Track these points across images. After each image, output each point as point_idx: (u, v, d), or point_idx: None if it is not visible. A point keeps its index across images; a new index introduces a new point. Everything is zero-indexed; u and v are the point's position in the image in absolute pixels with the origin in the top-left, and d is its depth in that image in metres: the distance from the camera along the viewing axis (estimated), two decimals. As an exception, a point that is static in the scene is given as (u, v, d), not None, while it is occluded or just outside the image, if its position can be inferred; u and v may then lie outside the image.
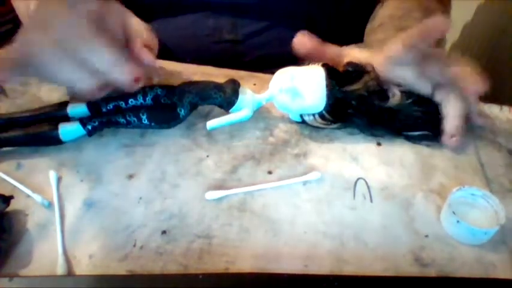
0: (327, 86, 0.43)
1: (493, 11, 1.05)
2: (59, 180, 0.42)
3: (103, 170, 0.43)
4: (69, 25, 0.37)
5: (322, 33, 0.49)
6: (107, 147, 0.45)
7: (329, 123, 0.45)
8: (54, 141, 0.43)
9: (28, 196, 0.40)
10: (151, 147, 0.45)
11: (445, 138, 0.45)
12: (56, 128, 0.43)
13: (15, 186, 0.41)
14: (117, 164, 0.43)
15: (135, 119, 0.44)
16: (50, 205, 0.40)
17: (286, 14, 0.62)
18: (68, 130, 0.43)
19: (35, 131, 0.43)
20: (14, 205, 0.39)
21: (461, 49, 1.15)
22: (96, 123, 0.43)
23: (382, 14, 0.60)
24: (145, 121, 0.44)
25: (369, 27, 0.60)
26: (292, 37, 0.47)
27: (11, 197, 0.39)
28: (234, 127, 0.47)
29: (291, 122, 0.48)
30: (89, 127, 0.43)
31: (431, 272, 0.36)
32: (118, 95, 0.45)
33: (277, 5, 0.61)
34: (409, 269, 0.36)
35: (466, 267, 0.37)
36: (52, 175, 0.41)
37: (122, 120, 0.44)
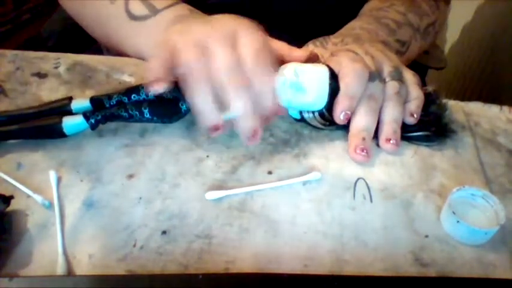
0: (330, 85, 0.43)
1: (493, 11, 1.05)
2: (59, 180, 0.42)
3: (103, 170, 0.43)
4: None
5: (312, 31, 0.50)
6: (107, 147, 0.45)
7: (327, 123, 0.45)
8: (57, 134, 0.44)
9: (28, 196, 0.40)
10: (151, 147, 0.45)
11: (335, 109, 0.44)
12: (60, 121, 0.43)
13: (15, 186, 0.41)
14: (117, 164, 0.43)
15: (137, 112, 0.44)
16: (50, 205, 0.40)
17: (281, 13, 0.62)
18: (71, 123, 0.44)
19: (38, 124, 0.43)
20: (14, 205, 0.39)
21: (461, 49, 1.15)
22: (99, 116, 0.44)
23: (365, 7, 0.60)
24: (147, 115, 0.44)
25: None
26: (286, 36, 0.47)
27: (11, 197, 0.39)
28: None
29: (291, 122, 0.48)
30: (92, 121, 0.43)
31: (432, 272, 0.36)
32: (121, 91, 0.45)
33: (270, 3, 0.61)
34: (409, 269, 0.36)
35: (466, 267, 0.37)
36: (52, 175, 0.41)
37: (124, 114, 0.44)
